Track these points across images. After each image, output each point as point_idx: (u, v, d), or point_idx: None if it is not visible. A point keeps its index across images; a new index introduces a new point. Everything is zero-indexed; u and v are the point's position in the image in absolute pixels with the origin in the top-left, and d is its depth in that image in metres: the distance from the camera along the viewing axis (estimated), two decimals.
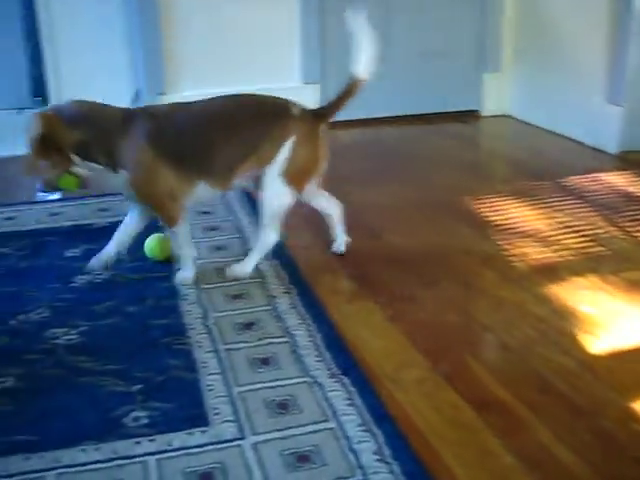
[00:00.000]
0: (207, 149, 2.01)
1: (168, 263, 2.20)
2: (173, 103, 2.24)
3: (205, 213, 2.65)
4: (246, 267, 2.13)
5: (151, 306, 1.96)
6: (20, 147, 2.87)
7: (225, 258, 2.26)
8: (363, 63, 2.13)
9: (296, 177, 2.05)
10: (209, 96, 2.19)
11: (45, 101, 4.97)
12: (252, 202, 2.74)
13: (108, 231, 2.48)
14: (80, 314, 1.94)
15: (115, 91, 3.87)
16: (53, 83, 3.92)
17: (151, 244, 2.22)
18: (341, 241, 2.31)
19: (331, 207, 2.28)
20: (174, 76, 3.81)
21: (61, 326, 1.88)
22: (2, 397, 1.59)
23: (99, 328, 1.86)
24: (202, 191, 2.06)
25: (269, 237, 2.11)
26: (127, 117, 2.00)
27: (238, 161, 2.03)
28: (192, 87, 3.84)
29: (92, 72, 3.87)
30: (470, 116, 4.16)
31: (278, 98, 2.15)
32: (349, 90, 2.13)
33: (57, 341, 1.81)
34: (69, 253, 2.36)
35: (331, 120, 2.14)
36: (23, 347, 1.79)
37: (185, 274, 2.10)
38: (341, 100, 2.13)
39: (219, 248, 2.35)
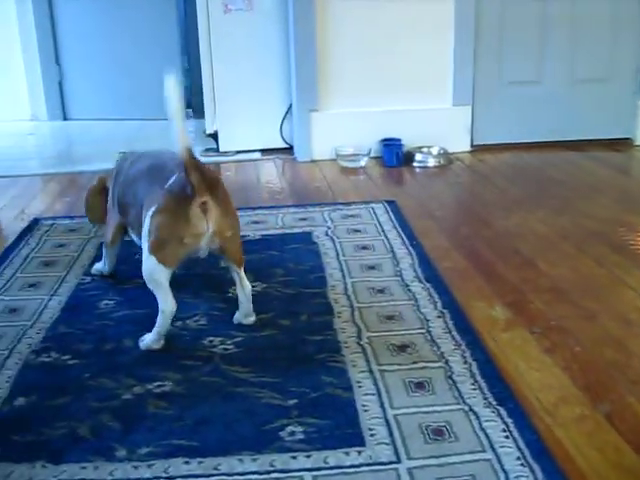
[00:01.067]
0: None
1: None
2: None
3: (356, 232, 2.67)
4: (153, 339, 1.90)
5: (305, 321, 1.98)
6: None
7: (377, 277, 2.26)
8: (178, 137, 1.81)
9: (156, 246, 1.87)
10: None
11: (195, 112, 5.16)
12: (402, 223, 2.74)
13: (262, 243, 2.55)
14: (236, 325, 1.98)
15: (269, 104, 3.98)
16: (209, 95, 4.01)
17: None
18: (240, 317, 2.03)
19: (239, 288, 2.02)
20: (326, 94, 3.85)
21: (218, 335, 1.92)
22: (162, 400, 1.64)
23: (254, 340, 1.89)
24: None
25: (161, 306, 1.90)
26: None
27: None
28: (343, 105, 3.88)
29: (246, 85, 3.97)
30: (623, 144, 4.02)
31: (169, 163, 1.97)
32: (185, 171, 1.82)
33: (214, 349, 1.85)
34: (224, 263, 2.40)
35: (203, 196, 1.83)
36: (181, 353, 1.85)
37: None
38: (189, 180, 1.82)
39: (371, 267, 2.34)
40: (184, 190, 1.83)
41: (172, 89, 1.82)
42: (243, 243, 2.03)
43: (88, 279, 2.35)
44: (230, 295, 2.16)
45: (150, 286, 1.91)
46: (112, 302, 2.16)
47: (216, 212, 1.86)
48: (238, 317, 2.01)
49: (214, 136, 4.08)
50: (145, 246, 1.89)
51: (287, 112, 4.01)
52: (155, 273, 1.88)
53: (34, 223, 2.95)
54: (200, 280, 2.29)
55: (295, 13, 3.72)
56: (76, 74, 5.31)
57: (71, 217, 3.02)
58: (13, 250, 2.64)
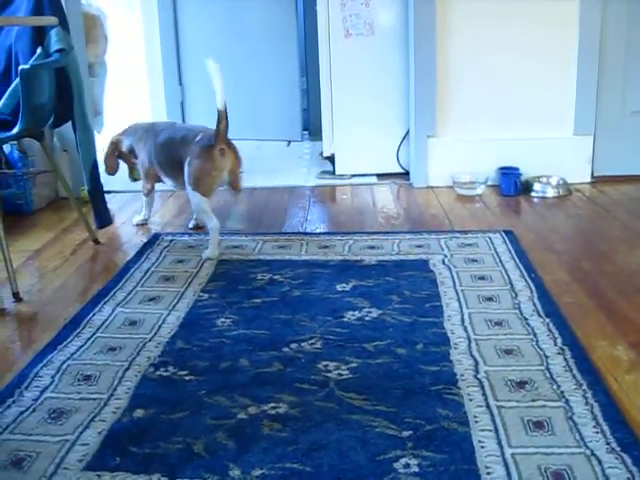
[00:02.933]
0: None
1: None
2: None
3: (473, 261, 2.63)
4: (212, 250, 2.80)
5: (421, 350, 1.96)
6: (290, 178, 3.00)
7: (495, 309, 2.22)
8: (218, 96, 2.77)
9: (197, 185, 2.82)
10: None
11: (311, 134, 5.22)
12: (521, 254, 2.69)
13: (378, 269, 2.54)
14: (351, 350, 1.97)
15: (387, 129, 3.98)
16: (327, 118, 4.05)
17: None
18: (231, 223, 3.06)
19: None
20: (444, 120, 3.83)
21: (333, 360, 1.92)
22: (276, 422, 1.65)
23: (370, 367, 1.88)
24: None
25: (209, 225, 2.83)
26: None
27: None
28: (461, 131, 3.85)
29: (364, 109, 3.99)
30: None
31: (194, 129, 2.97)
32: (218, 119, 2.78)
33: (329, 374, 1.85)
34: (339, 287, 2.42)
35: (222, 144, 2.80)
36: (296, 376, 1.85)
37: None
38: (218, 129, 2.78)
39: (488, 299, 2.30)
40: (209, 141, 2.78)
41: (212, 64, 2.76)
42: (360, 268, 2.29)
43: (206, 296, 2.39)
44: (346, 320, 2.16)
45: (199, 215, 3.00)
46: (229, 320, 2.20)
47: (230, 155, 2.83)
48: (229, 224, 3.03)
49: (331, 159, 4.12)
50: (189, 187, 2.82)
51: (404, 137, 4.01)
52: (201, 204, 2.83)
53: (154, 238, 3.04)
54: (316, 304, 2.30)
55: (416, 39, 3.72)
56: (197, 94, 5.45)
57: (190, 234, 3.09)
58: (134, 264, 2.73)
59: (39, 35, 2.83)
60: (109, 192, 3.68)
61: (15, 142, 3.42)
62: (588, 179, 3.87)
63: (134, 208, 3.60)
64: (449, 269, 2.57)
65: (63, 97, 2.89)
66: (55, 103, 2.86)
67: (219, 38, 5.44)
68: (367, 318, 2.17)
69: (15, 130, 2.63)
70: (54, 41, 2.79)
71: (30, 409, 1.73)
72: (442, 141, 3.84)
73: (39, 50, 2.77)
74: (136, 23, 5.58)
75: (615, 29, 3.73)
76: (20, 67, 2.59)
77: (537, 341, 2.00)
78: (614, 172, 3.89)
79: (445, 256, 2.70)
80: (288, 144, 4.90)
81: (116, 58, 5.20)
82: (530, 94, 3.80)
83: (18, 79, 2.60)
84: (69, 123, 2.99)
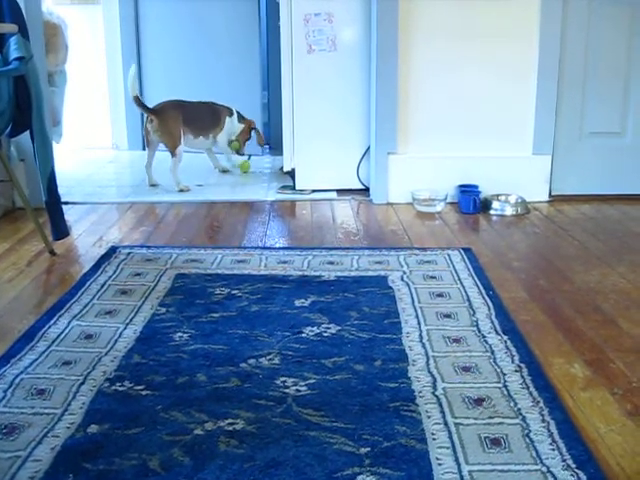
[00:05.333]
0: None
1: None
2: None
3: (432, 278, 2.65)
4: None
5: (379, 367, 1.96)
6: (250, 193, 2.99)
7: (453, 326, 2.23)
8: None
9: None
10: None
11: (272, 148, 5.22)
12: (479, 271, 2.71)
13: (337, 284, 2.55)
14: (309, 366, 1.97)
15: (348, 145, 4.00)
16: (288, 133, 4.05)
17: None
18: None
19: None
20: (405, 137, 3.86)
21: (291, 376, 1.91)
22: (233, 439, 1.63)
23: (328, 383, 1.87)
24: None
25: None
26: None
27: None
28: (421, 149, 3.88)
29: (325, 124, 4.01)
30: None
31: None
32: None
33: (287, 390, 1.84)
34: (298, 303, 2.42)
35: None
36: (254, 391, 1.84)
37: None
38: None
39: (447, 316, 2.32)
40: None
41: (132, 70, 4.23)
42: (319, 283, 2.37)
43: (163, 310, 2.37)
44: (305, 336, 2.16)
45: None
46: (186, 335, 2.18)
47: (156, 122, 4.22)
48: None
49: (291, 174, 4.12)
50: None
51: (365, 153, 4.03)
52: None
53: (112, 251, 3.00)
54: (275, 319, 2.29)
55: (378, 55, 3.74)
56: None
57: (148, 246, 3.07)
58: (91, 276, 2.69)
59: None
60: (66, 203, 3.64)
61: None
62: (546, 198, 3.92)
63: (91, 220, 3.56)
64: (408, 286, 2.58)
65: (21, 106, 2.86)
66: (13, 111, 2.83)
67: (181, 49, 5.43)
68: (326, 334, 2.17)
69: None
70: (13, 49, 2.76)
71: None
72: (402, 158, 3.86)
73: None
74: (97, 32, 5.54)
75: (574, 49, 3.80)
76: None
77: (495, 358, 2.01)
78: (571, 191, 3.96)
79: (404, 273, 2.71)
80: (248, 158, 4.88)
81: (76, 67, 5.17)
82: (490, 112, 3.85)
83: None
84: (27, 132, 2.95)
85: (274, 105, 5.18)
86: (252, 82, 5.27)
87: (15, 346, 2.11)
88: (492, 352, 2.05)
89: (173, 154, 4.24)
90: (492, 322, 2.26)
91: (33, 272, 2.81)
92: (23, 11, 2.91)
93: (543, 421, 1.71)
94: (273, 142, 5.39)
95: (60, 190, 3.09)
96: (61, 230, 3.09)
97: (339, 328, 2.21)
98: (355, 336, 2.16)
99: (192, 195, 4.07)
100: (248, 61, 5.24)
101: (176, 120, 4.29)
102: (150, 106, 4.33)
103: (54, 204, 3.04)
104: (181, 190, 4.15)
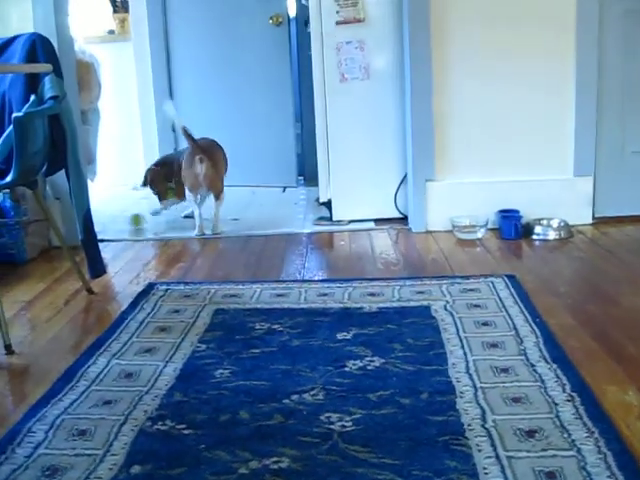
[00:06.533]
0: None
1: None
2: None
3: (476, 307, 2.62)
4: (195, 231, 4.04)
5: (426, 400, 1.94)
6: (286, 225, 3.02)
7: (500, 356, 2.20)
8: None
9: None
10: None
11: (307, 180, 5.24)
12: (524, 298, 2.68)
13: (379, 316, 2.53)
14: (354, 401, 1.95)
15: (384, 173, 4.00)
16: (323, 163, 4.07)
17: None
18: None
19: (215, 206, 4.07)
20: (442, 164, 3.84)
21: (335, 411, 1.89)
22: (279, 477, 1.62)
23: (374, 418, 1.85)
24: None
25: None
26: None
27: None
28: (459, 175, 3.87)
29: (361, 153, 4.01)
30: None
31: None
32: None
33: (332, 426, 1.82)
34: (340, 336, 2.41)
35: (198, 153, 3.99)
36: (298, 428, 1.82)
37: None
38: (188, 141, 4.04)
39: (493, 345, 2.29)
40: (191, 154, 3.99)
41: (169, 106, 4.31)
42: (360, 315, 2.50)
43: (203, 347, 2.37)
44: (348, 370, 2.14)
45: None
46: (227, 372, 2.17)
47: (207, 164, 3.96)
48: (213, 229, 4.02)
49: (327, 205, 4.12)
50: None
51: (402, 181, 4.02)
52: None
53: (149, 288, 3.02)
54: (317, 353, 2.28)
55: (412, 82, 3.75)
56: None
57: (186, 283, 3.08)
58: (129, 314, 2.71)
59: (32, 82, 2.84)
60: (102, 241, 3.67)
61: (8, 191, 3.42)
62: (589, 220, 3.87)
63: (127, 258, 3.59)
64: (452, 315, 2.55)
65: (56, 144, 2.90)
66: (48, 151, 2.87)
67: (211, 83, 5.49)
68: (369, 367, 2.15)
69: (8, 179, 2.63)
70: (47, 88, 2.80)
71: (23, 467, 1.70)
72: (441, 185, 3.85)
73: (32, 97, 2.78)
74: (129, 68, 5.63)
75: (612, 63, 3.75)
76: (13, 115, 2.60)
77: (545, 388, 1.98)
78: (615, 213, 3.90)
79: (447, 302, 2.69)
80: (283, 190, 4.91)
81: (109, 105, 5.24)
82: (529, 134, 3.82)
83: (11, 127, 2.60)
84: (62, 171, 2.99)
85: (308, 136, 5.20)
86: (285, 113, 5.31)
87: (55, 387, 2.12)
88: (542, 381, 2.02)
89: (218, 198, 4.10)
90: (540, 350, 2.22)
91: (71, 311, 2.83)
92: (56, 50, 2.96)
93: (599, 452, 1.67)
94: (308, 173, 5.41)
95: (96, 228, 3.11)
96: (98, 268, 3.12)
97: (383, 361, 2.19)
98: (400, 368, 2.14)
99: (228, 230, 4.08)
100: (280, 92, 5.28)
101: (223, 161, 4.23)
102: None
103: (90, 242, 3.07)
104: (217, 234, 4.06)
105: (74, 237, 3.27)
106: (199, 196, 4.07)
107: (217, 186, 4.05)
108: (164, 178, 4.30)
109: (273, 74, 5.27)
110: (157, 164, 4.41)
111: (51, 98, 2.78)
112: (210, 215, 4.11)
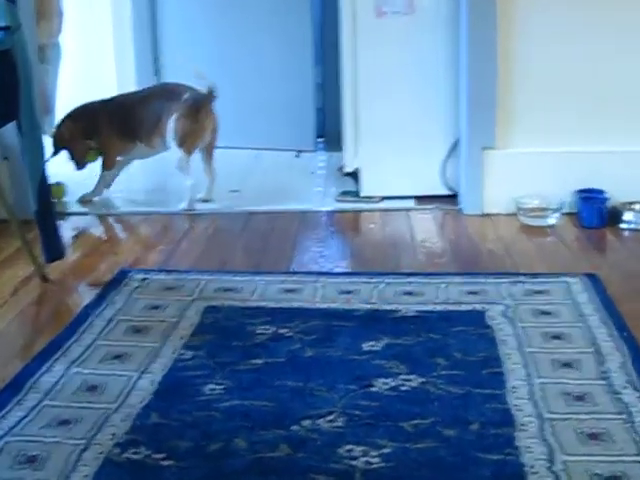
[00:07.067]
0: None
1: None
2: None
3: (545, 314, 2.63)
4: (185, 204, 4.02)
5: (476, 432, 1.94)
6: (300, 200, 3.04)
7: (575, 379, 2.20)
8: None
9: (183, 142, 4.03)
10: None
11: (328, 143, 5.24)
12: (608, 305, 2.68)
13: (419, 323, 2.55)
14: (383, 430, 1.96)
15: (429, 137, 4.00)
16: (349, 122, 4.07)
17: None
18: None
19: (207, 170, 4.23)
20: (506, 126, 3.83)
21: (359, 443, 1.91)
22: None
23: (408, 452, 1.87)
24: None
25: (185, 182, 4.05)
26: None
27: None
28: (528, 141, 3.85)
29: (398, 111, 4.01)
30: None
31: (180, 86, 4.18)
32: (212, 93, 4.03)
33: (354, 462, 1.83)
34: (366, 346, 2.42)
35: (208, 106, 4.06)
36: (309, 463, 1.84)
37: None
38: (210, 96, 4.03)
39: (566, 364, 2.29)
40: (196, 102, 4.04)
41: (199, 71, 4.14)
42: (394, 320, 2.55)
43: (189, 354, 2.39)
44: (376, 390, 2.15)
45: (180, 171, 4.07)
46: (220, 387, 2.19)
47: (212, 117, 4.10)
48: (204, 195, 4.16)
49: (354, 175, 4.13)
50: (173, 143, 4.03)
51: (452, 149, 4.02)
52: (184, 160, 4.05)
53: (121, 276, 3.04)
54: (336, 367, 2.29)
55: (470, 18, 3.73)
56: None
57: (169, 270, 3.10)
58: (94, 309, 2.73)
59: None
60: (62, 214, 3.69)
61: None
62: None
63: (94, 235, 3.63)
64: (512, 324, 2.56)
65: (5, 89, 2.91)
66: None
67: (208, 11, 5.46)
68: (404, 388, 2.16)
69: None
70: None
71: None
72: (503, 154, 3.84)
73: None
74: None
75: None
76: None
77: (632, 423, 1.98)
78: None
79: (507, 307, 2.69)
80: (297, 155, 4.92)
81: (74, 40, 5.25)
82: (620, 95, 3.80)
83: None
84: (12, 124, 3.00)
85: (330, 85, 5.18)
86: (301, 54, 5.29)
87: None
88: (629, 414, 2.02)
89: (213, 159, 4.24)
90: (627, 374, 2.22)
91: (20, 303, 2.85)
92: None
93: None
94: (329, 133, 5.40)
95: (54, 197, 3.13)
96: (55, 249, 3.13)
97: (422, 380, 2.20)
98: (443, 391, 2.15)
99: (225, 204, 4.09)
100: (295, 26, 5.25)
101: None
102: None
103: (46, 215, 3.08)
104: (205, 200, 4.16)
105: (25, 208, 3.27)
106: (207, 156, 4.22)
107: (215, 142, 4.22)
108: (82, 135, 4.21)
109: (287, 3, 5.25)
110: (71, 116, 4.27)
111: (0, 29, 2.79)
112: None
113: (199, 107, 4.03)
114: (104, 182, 4.27)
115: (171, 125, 4.03)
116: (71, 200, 4.20)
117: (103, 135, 4.20)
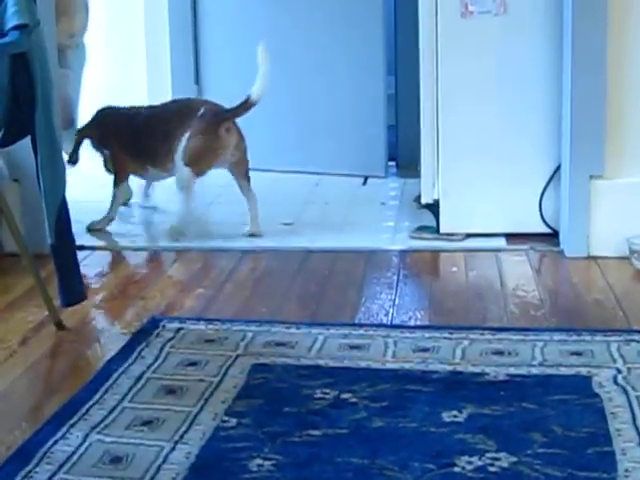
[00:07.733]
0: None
1: None
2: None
3: None
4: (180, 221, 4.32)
5: None
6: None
7: None
8: (257, 86, 4.13)
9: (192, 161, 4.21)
10: None
11: (400, 167, 5.25)
12: None
13: (510, 389, 2.53)
14: None
15: (523, 163, 3.99)
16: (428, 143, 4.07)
17: None
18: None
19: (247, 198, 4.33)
20: (618, 151, 3.82)
21: None
22: None
23: None
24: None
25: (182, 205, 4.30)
26: None
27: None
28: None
29: (488, 131, 4.01)
30: None
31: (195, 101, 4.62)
32: (244, 105, 4.18)
33: None
34: (447, 416, 2.40)
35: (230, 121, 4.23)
36: None
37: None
38: (238, 110, 4.22)
39: None
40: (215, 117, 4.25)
41: (263, 51, 4.15)
42: (480, 385, 2.53)
43: (233, 422, 2.39)
44: (459, 470, 2.13)
45: (181, 192, 4.29)
46: (269, 463, 2.18)
47: (235, 134, 4.25)
48: (250, 229, 4.24)
49: (433, 208, 4.12)
50: (181, 162, 4.20)
51: (551, 178, 4.01)
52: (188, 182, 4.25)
53: (151, 325, 3.06)
54: (410, 442, 2.28)
55: (574, 23, 3.72)
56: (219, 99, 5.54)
57: (209, 320, 3.11)
58: (119, 365, 2.74)
59: None
60: (82, 248, 3.72)
61: None
62: None
63: (120, 274, 3.64)
64: (626, 393, 2.53)
65: (20, 99, 2.94)
66: (7, 107, 2.91)
67: (260, 15, 5.52)
68: (492, 468, 2.14)
69: None
70: (11, 13, 2.84)
71: None
72: (614, 184, 3.82)
73: None
74: None
75: None
76: None
77: None
78: None
79: (619, 371, 2.67)
80: (364, 182, 4.93)
81: (101, 41, 5.30)
82: None
83: None
84: (27, 139, 3.02)
85: (405, 98, 5.21)
86: (370, 62, 5.33)
87: (2, 471, 2.15)
88: None
89: (249, 181, 4.35)
90: None
91: (30, 355, 2.87)
92: None
93: None
94: (403, 157, 5.42)
95: (74, 228, 3.14)
96: (74, 290, 3.15)
97: (514, 460, 2.18)
98: (540, 473, 2.12)
99: (276, 240, 4.11)
100: (365, 28, 5.29)
101: None
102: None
103: (65, 250, 3.09)
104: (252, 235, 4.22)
105: (40, 241, 3.31)
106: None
107: (246, 162, 4.37)
108: (99, 142, 4.56)
109: (356, 3, 5.29)
110: (97, 120, 4.56)
111: (15, 28, 2.82)
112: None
113: (218, 122, 4.20)
114: (116, 202, 4.44)
115: (183, 144, 4.21)
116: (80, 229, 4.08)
117: (113, 150, 4.48)
